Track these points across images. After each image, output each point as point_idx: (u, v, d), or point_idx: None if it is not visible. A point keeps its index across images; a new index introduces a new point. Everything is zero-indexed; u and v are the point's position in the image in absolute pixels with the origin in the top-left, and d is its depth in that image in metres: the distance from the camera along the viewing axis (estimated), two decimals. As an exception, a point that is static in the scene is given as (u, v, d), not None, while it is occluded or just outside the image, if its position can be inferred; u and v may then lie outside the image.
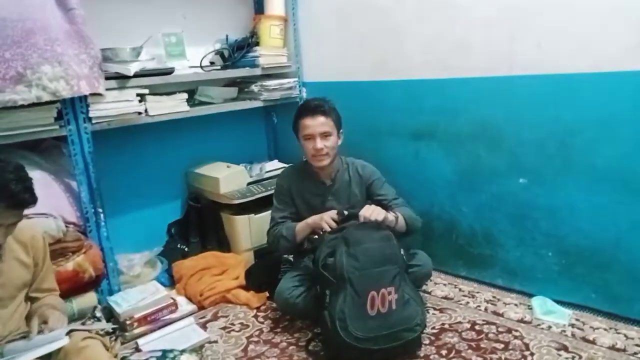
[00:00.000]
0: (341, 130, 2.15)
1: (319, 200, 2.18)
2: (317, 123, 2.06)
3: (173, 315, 2.16)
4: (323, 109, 2.07)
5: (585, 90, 1.90)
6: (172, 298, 2.22)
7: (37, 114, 1.93)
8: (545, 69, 1.98)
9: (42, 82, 1.87)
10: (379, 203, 2.13)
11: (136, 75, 2.18)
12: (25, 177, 1.44)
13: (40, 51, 1.88)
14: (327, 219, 1.97)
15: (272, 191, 2.62)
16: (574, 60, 1.90)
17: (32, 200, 1.44)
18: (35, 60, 1.87)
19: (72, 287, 1.93)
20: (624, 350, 1.79)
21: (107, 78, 2.10)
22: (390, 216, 2.00)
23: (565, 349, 1.83)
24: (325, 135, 2.07)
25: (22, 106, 1.85)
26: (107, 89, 2.10)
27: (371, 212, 1.93)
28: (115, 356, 1.67)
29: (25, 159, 1.99)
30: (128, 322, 2.04)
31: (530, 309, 2.10)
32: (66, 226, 2.02)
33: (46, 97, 1.89)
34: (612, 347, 1.81)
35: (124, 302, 2.10)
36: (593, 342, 1.85)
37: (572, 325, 1.97)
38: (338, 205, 2.14)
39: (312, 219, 2.07)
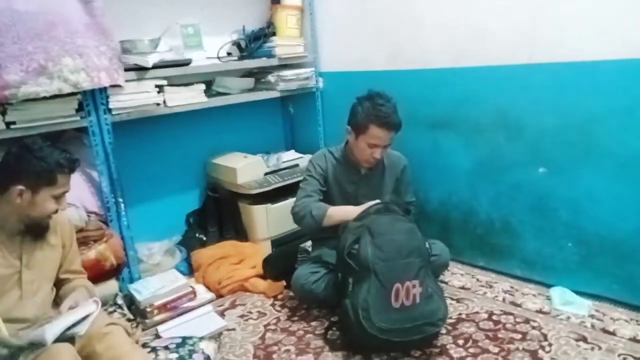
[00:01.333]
0: None
1: (353, 187, 2.16)
2: (388, 138, 2.01)
3: (192, 303, 2.19)
4: (398, 126, 2.01)
5: (607, 77, 1.86)
6: (191, 286, 2.26)
7: (59, 105, 1.97)
8: (567, 56, 1.94)
9: (64, 74, 1.91)
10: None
11: (155, 67, 2.20)
12: (58, 146, 1.58)
13: (62, 43, 1.91)
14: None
15: (289, 181, 2.67)
16: (596, 47, 1.86)
17: (78, 160, 1.61)
18: (57, 53, 1.90)
19: (94, 275, 1.96)
20: (646, 341, 1.77)
21: (126, 70, 2.13)
22: None
23: (585, 339, 1.81)
24: (387, 146, 2.06)
25: (44, 98, 1.89)
26: (127, 81, 2.13)
27: None
28: (137, 342, 1.70)
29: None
30: (148, 310, 2.08)
31: (549, 299, 2.08)
32: (88, 215, 2.07)
33: (67, 89, 1.93)
34: (633, 339, 1.79)
35: (144, 290, 2.14)
36: (613, 334, 1.83)
37: (592, 316, 1.95)
38: (370, 192, 2.13)
39: (347, 213, 2.01)
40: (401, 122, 2.01)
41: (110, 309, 1.97)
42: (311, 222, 2.05)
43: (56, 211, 1.57)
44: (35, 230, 1.57)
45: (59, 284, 1.70)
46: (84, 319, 1.46)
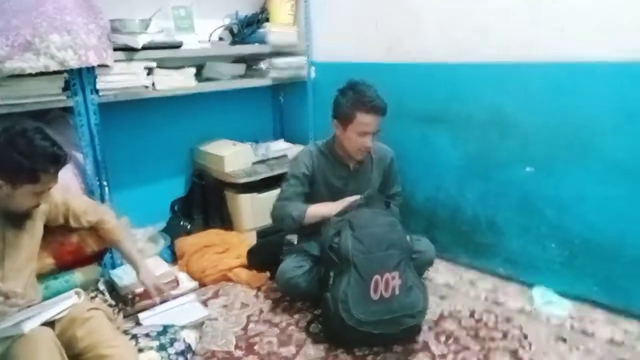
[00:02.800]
0: None
1: (341, 182, 2.14)
2: (377, 123, 1.97)
3: (174, 292, 2.16)
4: (385, 111, 1.97)
5: (602, 80, 1.87)
6: (174, 274, 2.23)
7: (45, 83, 1.91)
8: (563, 56, 1.94)
9: (50, 51, 1.85)
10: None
11: (144, 48, 2.15)
12: (51, 136, 1.47)
13: (50, 19, 1.85)
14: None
15: (278, 172, 2.64)
16: (593, 49, 1.86)
17: (68, 156, 1.51)
18: (45, 29, 1.84)
19: (74, 259, 1.93)
20: (622, 344, 1.80)
21: (115, 49, 2.08)
22: None
23: (564, 340, 1.84)
24: (376, 133, 2.02)
25: (30, 75, 1.83)
26: (115, 61, 2.07)
27: None
28: (118, 328, 1.68)
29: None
30: (130, 297, 2.05)
31: (531, 299, 2.10)
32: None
33: (54, 67, 1.87)
34: (610, 341, 1.82)
35: (126, 276, 2.10)
36: (591, 335, 1.86)
37: (572, 317, 1.97)
38: (359, 188, 2.11)
39: (327, 210, 2.02)
40: (387, 105, 1.97)
41: (92, 294, 1.93)
42: (291, 224, 2.07)
43: (37, 205, 1.52)
44: (15, 219, 1.52)
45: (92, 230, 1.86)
46: (63, 310, 1.44)
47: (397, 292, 1.76)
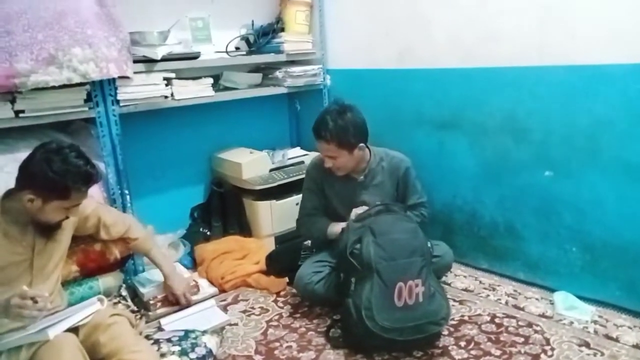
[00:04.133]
0: (360, 145, 2.03)
1: (351, 192, 2.14)
2: (322, 148, 2.04)
3: (195, 297, 2.19)
4: (325, 136, 1.98)
5: (617, 82, 1.85)
6: (195, 280, 2.26)
7: (68, 95, 1.97)
8: (577, 59, 1.93)
9: (73, 64, 1.90)
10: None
11: (163, 59, 2.20)
12: (85, 154, 1.54)
13: (72, 33, 1.91)
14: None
15: (294, 178, 2.66)
16: (606, 51, 1.85)
17: (99, 174, 1.59)
18: (67, 42, 1.89)
19: (98, 266, 1.97)
20: (648, 349, 1.77)
21: (134, 61, 2.13)
22: None
23: (587, 345, 1.81)
24: (331, 157, 2.03)
25: (53, 87, 1.88)
26: (135, 72, 2.12)
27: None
28: (140, 334, 1.71)
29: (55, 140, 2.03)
30: (151, 302, 2.08)
31: (552, 304, 2.08)
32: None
33: (76, 79, 1.92)
34: (636, 346, 1.79)
35: (148, 283, 2.15)
36: (616, 340, 1.83)
37: (595, 322, 1.94)
38: (370, 198, 2.11)
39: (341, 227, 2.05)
40: (329, 134, 1.97)
41: (115, 300, 1.97)
42: (316, 240, 2.27)
43: (66, 218, 1.58)
44: (45, 228, 1.57)
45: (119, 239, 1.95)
46: (87, 317, 1.49)
47: (420, 299, 1.75)
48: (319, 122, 2.03)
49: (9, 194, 1.52)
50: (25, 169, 1.48)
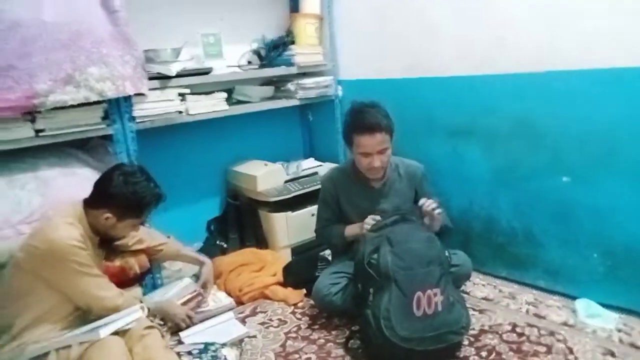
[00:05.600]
0: (393, 135, 2.05)
1: (368, 204, 2.13)
2: (375, 142, 1.96)
3: (205, 308, 2.18)
4: (381, 127, 1.95)
5: (629, 85, 1.83)
6: (197, 290, 2.20)
7: (85, 113, 2.00)
8: (587, 63, 1.91)
9: (90, 83, 1.94)
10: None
11: (177, 75, 2.23)
12: (152, 177, 1.77)
13: (87, 53, 1.94)
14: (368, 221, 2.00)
15: (309, 189, 2.67)
16: (617, 54, 1.84)
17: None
18: (83, 62, 1.93)
19: (117, 281, 1.97)
20: (676, 356, 1.73)
21: (149, 78, 2.16)
22: (438, 209, 2.00)
23: (612, 354, 1.77)
24: (382, 151, 1.99)
25: (72, 106, 1.92)
26: (150, 89, 2.16)
27: (428, 202, 1.98)
28: (167, 346, 1.74)
29: (74, 157, 2.07)
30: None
31: (574, 311, 2.04)
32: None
33: (93, 97, 1.96)
34: (663, 353, 1.75)
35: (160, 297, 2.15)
36: (642, 348, 1.79)
37: (619, 330, 1.90)
38: (389, 207, 2.11)
39: (359, 228, 2.04)
40: (382, 123, 1.96)
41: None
42: (337, 247, 2.24)
43: (129, 233, 1.80)
44: (107, 242, 1.79)
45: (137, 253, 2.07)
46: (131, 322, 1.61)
47: (439, 308, 1.73)
48: (366, 116, 1.96)
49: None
50: (104, 190, 1.67)
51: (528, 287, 2.29)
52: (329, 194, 2.19)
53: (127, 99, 2.11)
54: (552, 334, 1.92)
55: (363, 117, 1.98)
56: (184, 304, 2.11)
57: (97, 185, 1.71)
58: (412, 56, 2.54)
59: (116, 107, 2.09)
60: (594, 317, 1.97)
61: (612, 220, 1.98)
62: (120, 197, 1.65)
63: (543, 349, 1.83)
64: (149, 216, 1.76)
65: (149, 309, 1.76)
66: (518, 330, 1.97)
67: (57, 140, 1.95)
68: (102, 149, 2.23)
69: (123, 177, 1.66)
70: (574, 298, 2.12)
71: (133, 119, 2.15)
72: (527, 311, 2.10)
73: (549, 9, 1.99)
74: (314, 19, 2.85)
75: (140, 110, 2.16)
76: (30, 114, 1.87)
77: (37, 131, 1.90)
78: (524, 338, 1.91)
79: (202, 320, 2.10)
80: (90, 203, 1.69)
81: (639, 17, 1.77)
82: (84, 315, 1.67)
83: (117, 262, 1.97)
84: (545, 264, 2.22)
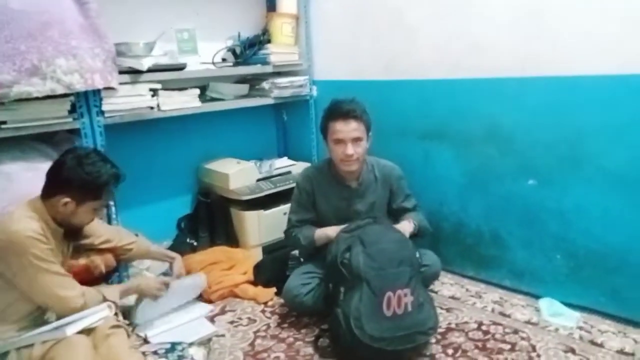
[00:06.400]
0: (370, 133, 2.09)
1: (345, 203, 2.14)
2: (349, 128, 1.99)
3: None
4: (355, 114, 1.99)
5: (600, 92, 1.89)
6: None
7: (51, 106, 1.94)
8: (560, 70, 1.97)
9: (57, 75, 1.89)
10: (397, 210, 2.19)
11: (149, 70, 2.19)
12: (109, 158, 1.69)
13: (56, 44, 1.89)
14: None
15: (281, 188, 2.67)
16: (589, 62, 1.89)
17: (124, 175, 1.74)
18: (51, 53, 1.88)
19: (81, 280, 1.92)
20: (633, 354, 1.79)
21: (120, 72, 2.11)
22: (410, 228, 2.06)
23: (573, 351, 1.83)
24: (356, 140, 2.01)
25: (37, 98, 1.86)
26: (120, 83, 2.11)
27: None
28: (132, 346, 1.71)
29: (38, 151, 2.01)
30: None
31: (538, 310, 2.10)
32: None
33: (60, 90, 1.91)
34: (621, 351, 1.81)
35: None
36: (601, 346, 1.85)
37: (580, 328, 1.96)
38: (364, 207, 2.13)
39: (331, 232, 2.04)
40: (358, 111, 2.01)
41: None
42: (305, 250, 2.19)
43: (92, 220, 1.72)
44: (72, 234, 1.72)
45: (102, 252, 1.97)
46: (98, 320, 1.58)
47: (409, 308, 1.75)
48: (341, 105, 2.02)
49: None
50: (57, 175, 1.59)
51: (494, 287, 2.34)
52: (305, 193, 2.17)
53: (96, 92, 2.06)
54: (516, 332, 1.97)
55: (339, 105, 2.04)
56: None
57: (50, 172, 1.62)
58: (388, 58, 2.56)
59: (84, 101, 2.04)
60: (557, 315, 2.03)
61: (576, 224, 2.04)
62: (76, 179, 1.56)
63: (507, 347, 1.87)
64: (109, 198, 1.67)
65: (116, 305, 1.71)
66: (484, 328, 2.01)
67: (21, 133, 1.89)
68: (69, 143, 2.17)
69: (76, 160, 1.58)
70: (537, 297, 2.18)
71: (102, 113, 2.10)
72: (493, 310, 2.15)
73: (525, 16, 2.03)
74: (291, 19, 2.85)
75: (110, 104, 2.11)
76: (-7, 105, 1.81)
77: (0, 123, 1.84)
78: (489, 336, 1.95)
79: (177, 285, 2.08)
80: (46, 193, 1.61)
81: (610, 25, 1.82)
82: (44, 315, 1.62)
83: (82, 261, 1.91)
84: (510, 264, 2.27)
